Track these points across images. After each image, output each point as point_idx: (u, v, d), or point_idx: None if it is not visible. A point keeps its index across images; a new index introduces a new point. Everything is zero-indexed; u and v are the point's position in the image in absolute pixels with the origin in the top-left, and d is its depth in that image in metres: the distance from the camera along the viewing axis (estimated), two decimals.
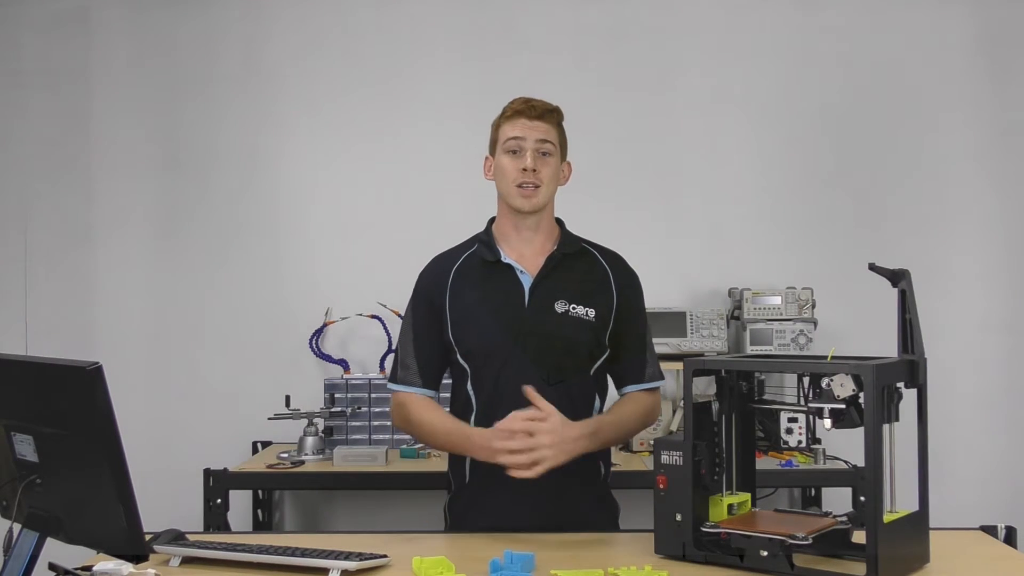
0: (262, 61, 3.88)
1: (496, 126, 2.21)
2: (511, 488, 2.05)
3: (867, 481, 1.60)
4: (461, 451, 2.14)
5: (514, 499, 2.08)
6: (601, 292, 2.20)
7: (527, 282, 2.17)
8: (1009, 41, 3.79)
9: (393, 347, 3.59)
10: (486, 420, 2.11)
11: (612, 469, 2.40)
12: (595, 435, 2.06)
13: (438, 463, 2.27)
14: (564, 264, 2.20)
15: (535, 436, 1.94)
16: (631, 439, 3.46)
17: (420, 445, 3.42)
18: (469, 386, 2.18)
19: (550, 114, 2.18)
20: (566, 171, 2.25)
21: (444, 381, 2.28)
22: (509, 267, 2.18)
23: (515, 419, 1.96)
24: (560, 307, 2.16)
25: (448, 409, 2.24)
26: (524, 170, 2.13)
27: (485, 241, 2.22)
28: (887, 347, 1.84)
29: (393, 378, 2.23)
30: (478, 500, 2.17)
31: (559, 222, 2.28)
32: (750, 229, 3.80)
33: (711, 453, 1.78)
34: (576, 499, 2.14)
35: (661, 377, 2.25)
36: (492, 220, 2.27)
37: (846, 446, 3.08)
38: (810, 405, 1.73)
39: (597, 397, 2.20)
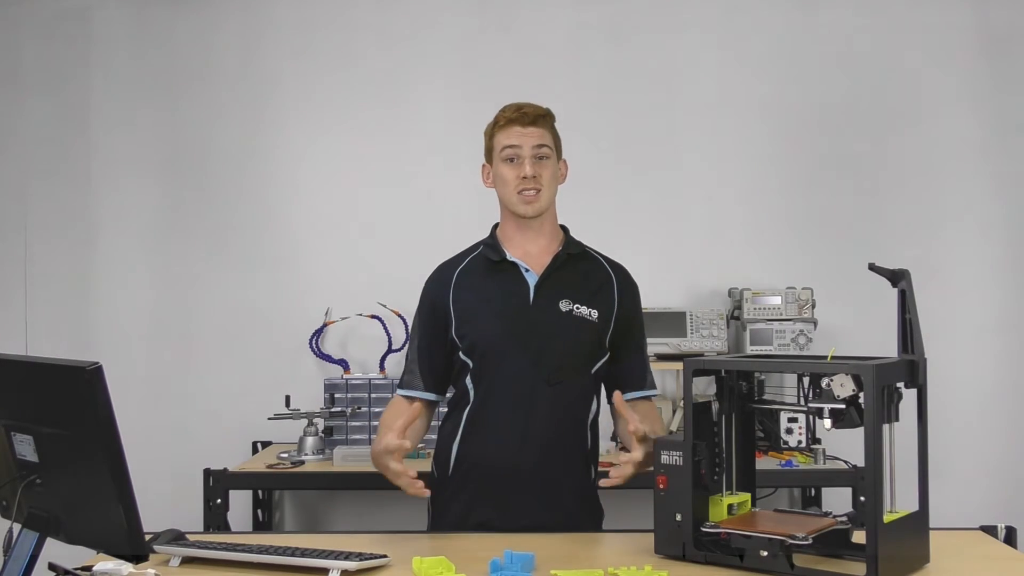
0: (262, 61, 3.88)
1: (489, 135, 2.23)
2: (495, 485, 2.08)
3: (867, 481, 1.60)
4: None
5: (498, 496, 2.11)
6: (603, 295, 2.21)
7: (532, 280, 2.18)
8: (1009, 41, 3.79)
9: (393, 347, 3.62)
10: (481, 413, 2.15)
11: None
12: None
13: None
14: (569, 264, 2.21)
15: (631, 456, 1.93)
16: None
17: (421, 445, 3.41)
18: (468, 380, 2.19)
19: (543, 118, 2.19)
20: (563, 169, 2.27)
21: None
22: (514, 265, 2.20)
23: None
24: (564, 306, 2.16)
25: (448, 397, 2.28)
26: (524, 177, 2.14)
27: (490, 244, 2.24)
28: (887, 347, 1.84)
29: (400, 383, 2.27)
30: (460, 496, 2.17)
31: (564, 229, 2.29)
32: (750, 229, 3.80)
33: (711, 453, 1.78)
34: (562, 500, 2.15)
35: (656, 387, 2.30)
36: (496, 225, 2.29)
37: (846, 446, 3.08)
38: (810, 405, 1.73)
39: (595, 400, 2.21)
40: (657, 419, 2.25)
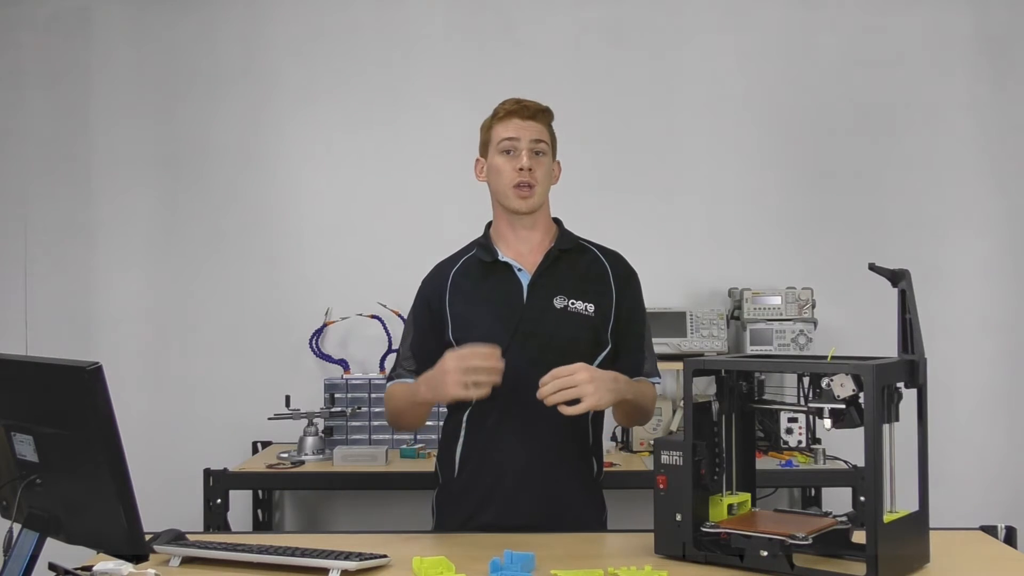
0: (262, 61, 3.88)
1: (487, 127, 2.22)
2: (501, 485, 2.07)
3: (867, 481, 1.59)
4: (425, 397, 2.06)
5: (505, 496, 2.10)
6: (600, 288, 2.20)
7: (525, 279, 2.18)
8: (1009, 41, 3.79)
9: (393, 347, 3.62)
10: (482, 414, 2.14)
11: (612, 469, 2.40)
12: (628, 383, 2.04)
13: None
14: (562, 260, 2.20)
15: (572, 375, 1.90)
16: (630, 432, 3.45)
17: (420, 445, 3.42)
18: None
19: (542, 114, 2.19)
20: (557, 170, 2.26)
21: None
22: (507, 265, 2.19)
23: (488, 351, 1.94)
24: (559, 302, 2.16)
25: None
26: (520, 169, 2.14)
27: (483, 244, 2.24)
28: (887, 347, 1.84)
29: (389, 377, 2.27)
30: (467, 494, 2.17)
31: (557, 221, 2.29)
32: (750, 229, 3.80)
33: (711, 453, 1.78)
34: (569, 498, 2.14)
35: (658, 375, 2.25)
36: (489, 224, 2.28)
37: (846, 446, 3.08)
38: (810, 405, 1.73)
39: None
40: (649, 393, 2.18)
